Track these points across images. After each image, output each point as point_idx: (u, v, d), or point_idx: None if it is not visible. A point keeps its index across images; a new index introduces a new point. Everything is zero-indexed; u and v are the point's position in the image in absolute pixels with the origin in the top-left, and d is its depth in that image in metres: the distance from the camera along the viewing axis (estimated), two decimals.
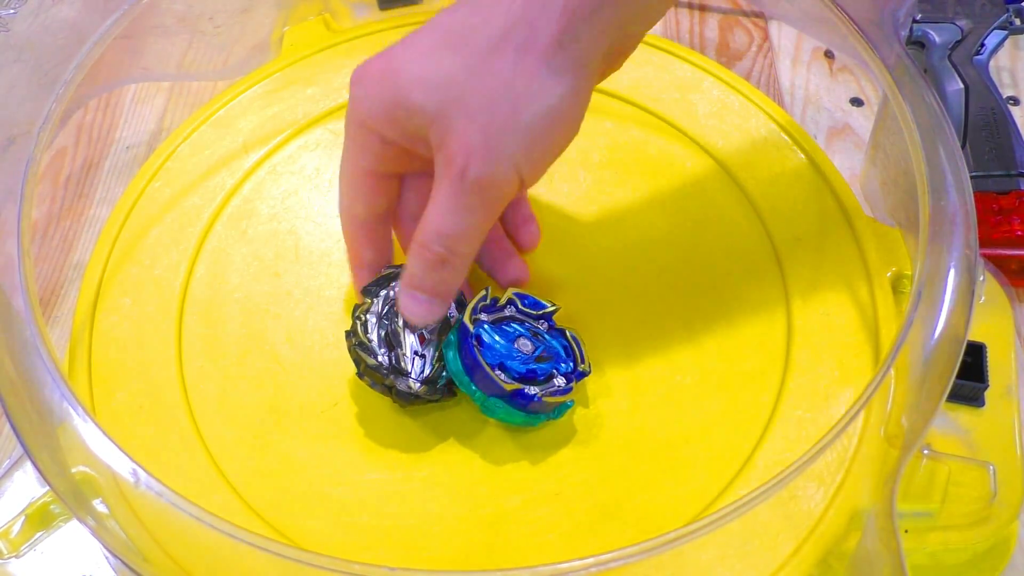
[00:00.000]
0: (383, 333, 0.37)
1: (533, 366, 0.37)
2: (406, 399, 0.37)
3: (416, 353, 0.37)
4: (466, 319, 0.36)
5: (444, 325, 0.38)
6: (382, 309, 0.38)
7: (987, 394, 0.39)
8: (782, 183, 0.45)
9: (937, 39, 0.56)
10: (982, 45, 0.56)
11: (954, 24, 0.57)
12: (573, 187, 0.45)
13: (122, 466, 0.31)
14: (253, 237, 0.44)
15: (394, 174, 0.38)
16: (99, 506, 0.32)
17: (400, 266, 0.37)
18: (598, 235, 0.44)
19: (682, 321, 0.41)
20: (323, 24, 0.54)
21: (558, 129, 0.34)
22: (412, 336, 0.37)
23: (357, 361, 0.37)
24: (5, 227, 0.37)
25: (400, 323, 0.37)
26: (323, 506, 0.36)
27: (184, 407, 0.38)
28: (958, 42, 0.56)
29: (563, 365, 0.37)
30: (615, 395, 0.39)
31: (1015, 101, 0.57)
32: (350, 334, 0.37)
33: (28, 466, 0.36)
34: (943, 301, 0.35)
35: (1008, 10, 0.58)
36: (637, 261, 0.43)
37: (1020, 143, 0.51)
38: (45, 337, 0.34)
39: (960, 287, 0.35)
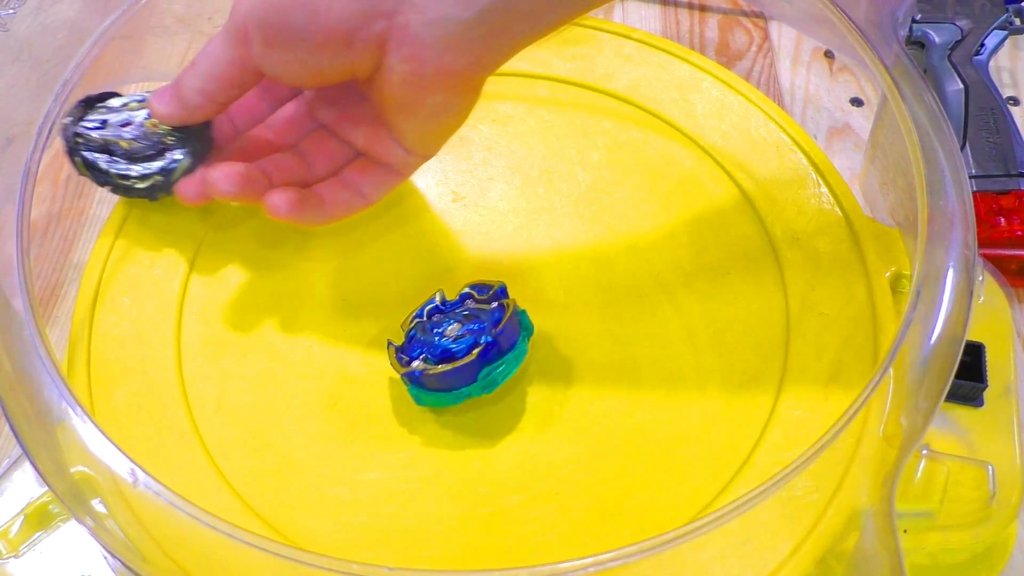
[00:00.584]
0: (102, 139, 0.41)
1: (450, 345, 0.37)
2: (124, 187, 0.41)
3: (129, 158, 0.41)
4: (402, 372, 0.37)
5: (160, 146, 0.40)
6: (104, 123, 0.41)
7: (986, 394, 0.39)
8: (781, 183, 0.45)
9: (937, 39, 0.56)
10: (982, 45, 0.56)
11: (954, 24, 0.57)
12: (573, 187, 0.45)
13: (121, 466, 0.31)
14: (253, 236, 0.44)
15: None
16: (98, 506, 0.32)
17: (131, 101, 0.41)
18: (597, 235, 0.44)
19: (680, 321, 0.41)
20: None
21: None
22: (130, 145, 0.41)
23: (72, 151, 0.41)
24: (5, 227, 0.37)
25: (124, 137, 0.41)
26: (322, 506, 0.36)
27: (183, 407, 0.38)
28: (958, 42, 0.56)
29: (479, 330, 0.37)
30: (614, 395, 0.39)
31: (1015, 101, 0.57)
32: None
33: (27, 466, 0.36)
34: (942, 301, 0.35)
35: (1008, 10, 0.58)
36: (636, 261, 0.43)
37: (1020, 143, 0.51)
38: (44, 337, 0.34)
39: (959, 287, 0.35)
